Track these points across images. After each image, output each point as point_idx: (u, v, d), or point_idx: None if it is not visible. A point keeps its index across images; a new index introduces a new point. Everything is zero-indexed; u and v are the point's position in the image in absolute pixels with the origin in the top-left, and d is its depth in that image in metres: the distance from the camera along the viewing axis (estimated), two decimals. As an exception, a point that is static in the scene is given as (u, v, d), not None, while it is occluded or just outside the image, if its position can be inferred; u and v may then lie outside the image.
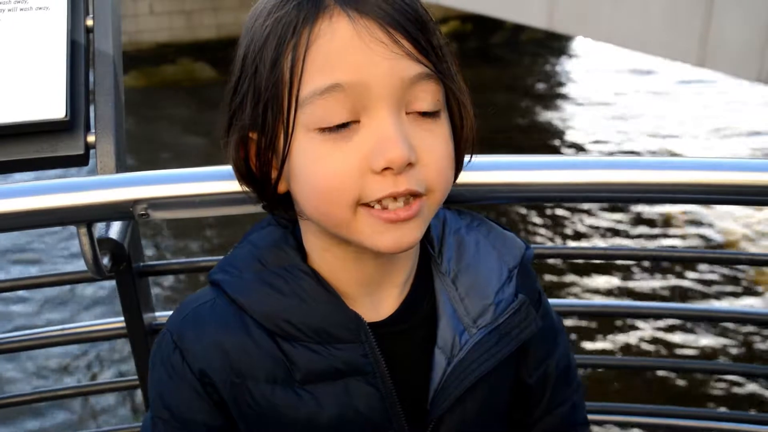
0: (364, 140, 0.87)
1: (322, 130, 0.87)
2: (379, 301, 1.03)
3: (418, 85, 0.88)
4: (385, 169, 0.86)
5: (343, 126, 0.87)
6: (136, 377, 1.65)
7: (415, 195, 0.89)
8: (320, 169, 0.88)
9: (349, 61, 0.85)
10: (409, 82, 0.87)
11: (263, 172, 0.95)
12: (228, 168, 1.20)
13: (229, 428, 1.02)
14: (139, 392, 1.69)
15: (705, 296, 7.01)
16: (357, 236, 0.91)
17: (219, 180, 1.18)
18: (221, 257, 1.69)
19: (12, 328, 6.26)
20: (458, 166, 0.99)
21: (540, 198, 1.27)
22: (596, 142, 10.92)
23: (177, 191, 1.17)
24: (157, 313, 1.66)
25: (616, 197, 1.28)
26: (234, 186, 1.18)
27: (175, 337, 1.00)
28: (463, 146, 0.98)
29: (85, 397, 5.24)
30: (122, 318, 1.57)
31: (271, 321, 0.97)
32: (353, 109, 0.87)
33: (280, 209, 1.01)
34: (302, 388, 0.98)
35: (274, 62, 0.87)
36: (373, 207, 0.89)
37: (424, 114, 0.90)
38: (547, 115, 12.21)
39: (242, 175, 0.98)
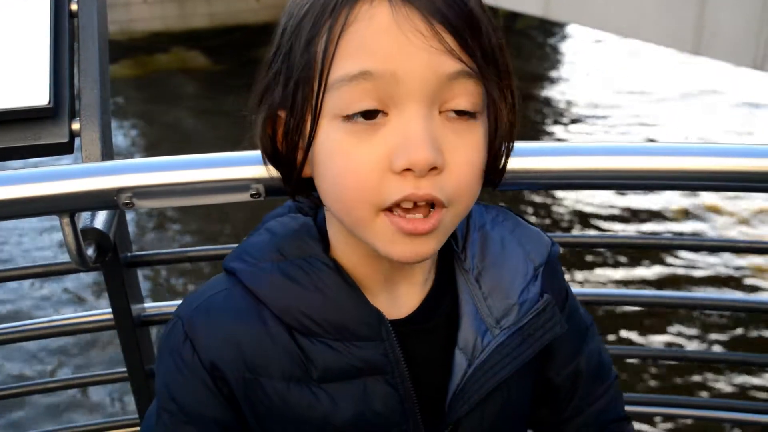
0: (390, 136, 0.82)
1: (348, 118, 0.82)
2: (399, 298, 0.99)
3: (456, 84, 0.83)
4: (407, 170, 0.81)
5: (369, 116, 0.82)
6: (125, 369, 1.63)
7: (435, 204, 0.84)
8: (342, 162, 0.84)
9: (383, 48, 0.80)
10: (446, 78, 0.82)
11: (289, 153, 0.90)
12: (217, 155, 1.18)
13: (238, 424, 0.98)
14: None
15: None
16: (372, 240, 0.87)
17: (205, 168, 1.15)
18: (211, 246, 1.67)
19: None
20: (490, 175, 0.93)
21: (553, 185, 1.23)
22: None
23: (163, 179, 1.13)
24: (146, 305, 1.63)
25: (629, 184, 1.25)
26: (221, 174, 1.15)
27: (187, 327, 0.96)
28: (493, 155, 0.91)
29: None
30: (110, 309, 1.54)
31: (289, 314, 0.93)
32: (382, 100, 0.82)
33: (303, 195, 0.97)
34: (319, 387, 0.94)
35: (308, 41, 0.83)
36: (393, 213, 0.84)
37: (460, 115, 0.85)
38: (546, 97, 12.19)
39: (268, 155, 0.93)
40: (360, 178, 0.83)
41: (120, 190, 1.12)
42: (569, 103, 12.05)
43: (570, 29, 14.96)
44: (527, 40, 14.87)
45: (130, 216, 8.01)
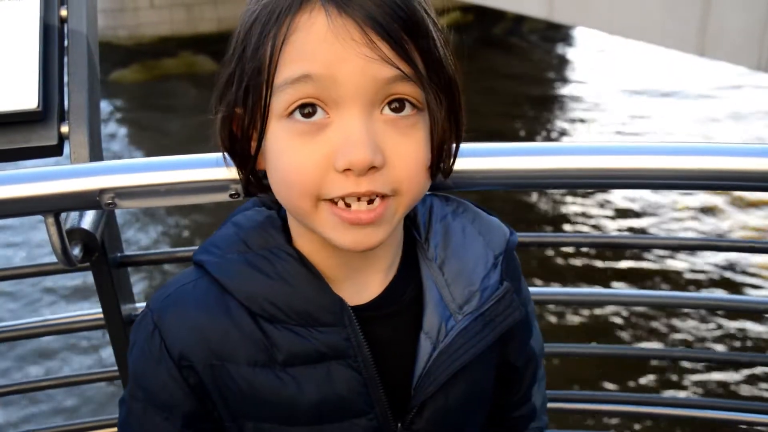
0: (331, 137, 0.87)
1: (290, 115, 0.87)
2: (363, 285, 1.03)
3: (394, 86, 0.87)
4: (347, 169, 0.86)
5: (308, 115, 0.87)
6: (116, 368, 1.65)
7: (379, 196, 0.89)
8: (286, 159, 0.89)
9: (322, 56, 0.84)
10: (383, 82, 0.86)
11: (245, 149, 0.95)
12: (196, 157, 1.21)
13: (204, 413, 1.02)
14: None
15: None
16: (320, 229, 0.92)
17: (186, 169, 1.18)
18: (198, 247, 1.70)
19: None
20: (435, 170, 0.97)
21: (522, 185, 1.26)
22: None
23: (144, 180, 1.16)
24: (138, 304, 1.65)
25: (602, 183, 1.28)
26: (202, 175, 1.18)
27: (156, 318, 1.00)
28: (436, 152, 0.94)
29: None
30: (100, 309, 1.56)
31: (254, 302, 0.97)
32: (323, 101, 0.87)
33: (259, 190, 1.01)
34: (284, 371, 0.98)
35: (256, 47, 0.88)
36: (336, 203, 0.89)
37: (398, 113, 0.89)
38: (553, 100, 12.19)
39: (226, 148, 0.98)
40: (303, 175, 0.88)
41: (102, 191, 1.16)
42: (573, 102, 12.05)
43: (576, 32, 14.95)
44: (532, 42, 14.87)
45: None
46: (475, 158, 1.22)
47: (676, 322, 6.43)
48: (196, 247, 1.67)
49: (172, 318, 0.99)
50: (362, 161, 0.85)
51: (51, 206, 1.18)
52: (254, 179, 0.99)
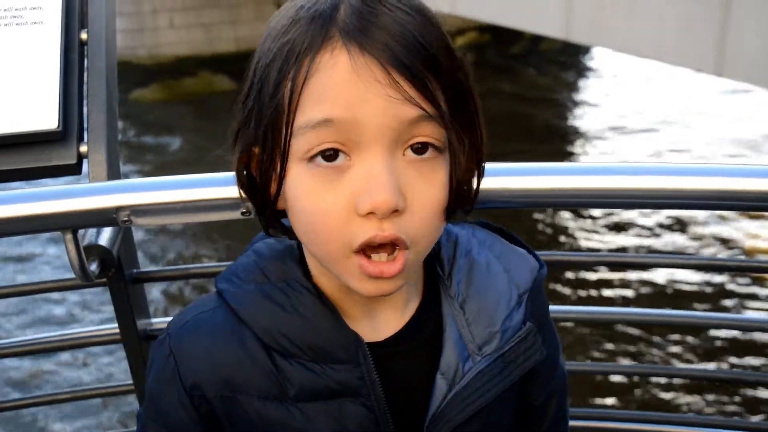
0: (354, 179, 0.85)
1: (311, 159, 0.86)
2: (380, 322, 1.01)
3: (417, 127, 0.85)
4: (371, 212, 0.84)
5: (330, 158, 0.85)
6: (131, 382, 1.69)
7: (398, 244, 0.87)
8: (310, 205, 0.87)
9: (343, 97, 0.83)
10: (406, 123, 0.84)
11: (264, 188, 0.93)
12: (209, 176, 1.25)
13: None
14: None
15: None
16: (341, 275, 0.91)
17: (200, 187, 1.21)
18: (215, 263, 1.74)
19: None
20: (452, 210, 0.94)
21: (541, 204, 1.29)
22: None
23: (159, 198, 1.20)
24: (153, 320, 1.69)
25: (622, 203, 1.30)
26: (215, 193, 1.22)
27: (173, 344, 1.00)
28: (454, 194, 0.92)
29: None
30: (116, 325, 1.60)
31: (269, 335, 0.96)
32: (344, 144, 0.85)
33: (278, 228, 0.98)
34: (295, 405, 0.97)
35: (275, 87, 0.87)
36: (362, 255, 0.87)
37: (421, 154, 0.87)
38: (565, 121, 12.19)
39: (245, 189, 0.96)
40: (328, 221, 0.86)
41: (119, 209, 1.20)
42: (587, 123, 12.05)
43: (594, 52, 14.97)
44: (550, 62, 14.90)
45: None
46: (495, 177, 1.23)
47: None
48: (211, 264, 1.72)
49: (188, 346, 0.99)
50: (385, 204, 0.83)
51: (69, 223, 1.22)
52: (275, 221, 0.97)
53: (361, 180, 0.85)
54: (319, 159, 0.85)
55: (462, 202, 0.94)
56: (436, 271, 1.04)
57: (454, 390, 0.98)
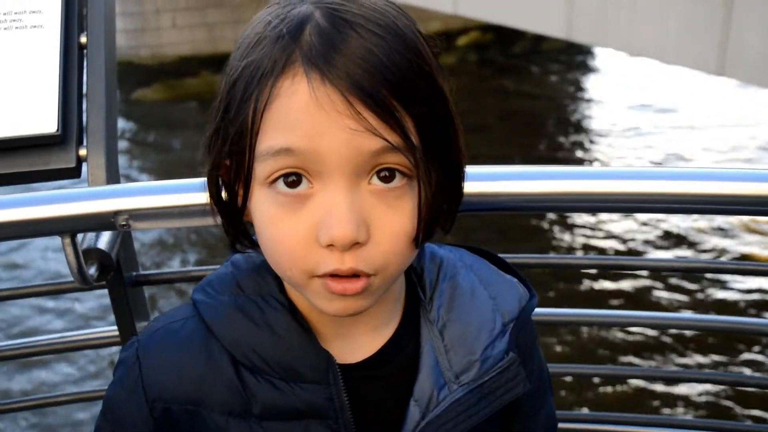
0: (315, 209, 0.82)
1: (272, 184, 0.83)
2: (356, 343, 0.97)
3: (382, 156, 0.81)
4: (331, 245, 0.82)
5: (295, 184, 0.83)
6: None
7: (360, 274, 0.84)
8: (272, 231, 0.85)
9: (303, 127, 0.79)
10: (370, 154, 0.80)
11: (232, 203, 0.91)
12: (205, 180, 1.25)
13: None
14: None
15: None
16: (307, 296, 0.89)
17: (198, 192, 1.21)
18: (214, 267, 1.73)
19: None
20: (424, 238, 0.89)
21: (531, 208, 1.30)
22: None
23: (157, 203, 1.21)
24: (152, 322, 1.69)
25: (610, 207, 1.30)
26: (212, 197, 1.22)
27: (140, 351, 0.98)
28: (423, 222, 0.86)
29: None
30: (115, 327, 1.60)
31: (239, 349, 0.94)
32: (307, 171, 0.82)
33: (246, 244, 0.96)
34: (258, 424, 0.94)
35: (238, 109, 0.84)
36: (324, 277, 0.84)
37: (387, 183, 0.83)
38: (572, 125, 12.19)
39: (213, 199, 0.94)
40: (290, 249, 0.84)
41: (117, 213, 1.20)
42: (589, 124, 12.04)
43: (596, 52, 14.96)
44: (553, 62, 14.90)
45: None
46: (482, 182, 1.23)
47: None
48: (212, 267, 1.72)
49: (154, 355, 0.97)
50: (344, 237, 0.80)
51: (67, 227, 1.23)
52: (243, 236, 0.95)
53: (322, 211, 0.82)
54: (280, 184, 0.83)
55: (432, 229, 0.90)
56: (418, 294, 1.01)
57: (427, 418, 0.95)
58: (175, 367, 0.96)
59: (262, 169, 0.84)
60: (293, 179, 0.83)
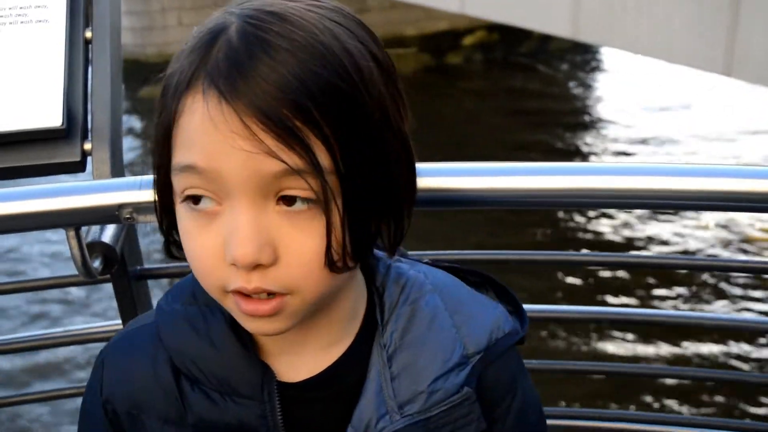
0: (222, 227, 0.80)
1: (185, 200, 0.81)
2: (300, 361, 0.94)
3: (285, 179, 0.77)
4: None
5: (197, 201, 0.80)
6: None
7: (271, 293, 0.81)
8: (188, 246, 0.84)
9: (203, 146, 0.77)
10: (269, 177, 0.76)
11: (165, 210, 0.89)
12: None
13: None
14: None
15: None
16: (229, 311, 0.87)
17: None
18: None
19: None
20: (353, 259, 0.84)
21: (512, 203, 1.26)
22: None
23: (161, 196, 1.20)
24: (156, 317, 1.70)
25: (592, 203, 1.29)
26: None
27: (105, 354, 1.00)
28: (336, 246, 0.80)
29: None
30: (119, 321, 1.61)
31: (179, 358, 0.93)
32: (213, 192, 0.79)
33: (177, 253, 0.92)
34: None
35: (158, 118, 0.83)
36: (237, 294, 0.82)
37: (291, 208, 0.79)
38: (579, 121, 12.18)
39: (157, 203, 0.91)
40: (203, 263, 0.82)
41: (121, 206, 1.21)
42: (597, 123, 12.03)
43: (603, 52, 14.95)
44: (561, 61, 14.89)
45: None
46: (463, 177, 1.21)
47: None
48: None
49: (113, 358, 0.99)
50: (244, 258, 0.77)
51: (72, 220, 1.23)
52: (175, 246, 0.92)
53: (227, 229, 0.79)
54: (189, 203, 0.81)
55: (360, 252, 0.84)
56: (374, 315, 0.96)
57: None
58: (125, 372, 0.97)
59: (175, 183, 0.82)
60: (195, 197, 0.80)
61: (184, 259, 0.88)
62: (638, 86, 13.40)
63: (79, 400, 1.08)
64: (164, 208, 0.89)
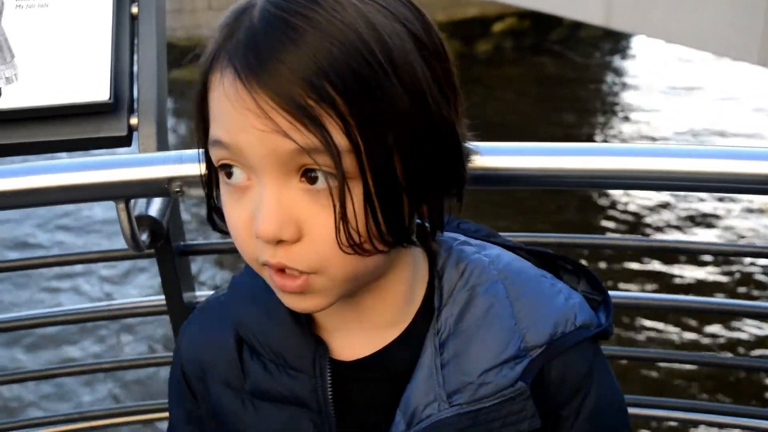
0: (251, 201, 0.80)
1: (221, 172, 0.83)
2: (355, 340, 0.94)
3: (304, 157, 0.76)
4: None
5: (230, 177, 0.81)
6: (171, 354, 1.71)
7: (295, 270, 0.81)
8: (227, 217, 0.85)
9: (225, 123, 0.78)
10: (287, 154, 0.76)
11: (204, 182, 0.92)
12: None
13: (198, 416, 1.04)
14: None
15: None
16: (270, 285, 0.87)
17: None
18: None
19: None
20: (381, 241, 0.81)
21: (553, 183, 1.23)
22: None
23: (211, 170, 1.21)
24: (197, 293, 1.71)
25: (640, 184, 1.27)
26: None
27: (190, 319, 1.07)
28: (356, 228, 0.78)
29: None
30: (163, 296, 1.62)
31: (242, 328, 0.97)
32: (240, 164, 0.80)
33: (218, 224, 0.93)
34: (250, 400, 0.96)
35: (197, 92, 0.84)
36: (270, 267, 0.83)
37: (315, 186, 0.78)
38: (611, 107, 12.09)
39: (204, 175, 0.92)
40: (238, 237, 0.84)
41: (171, 179, 1.21)
42: (626, 110, 11.93)
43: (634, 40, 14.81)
44: (593, 48, 14.77)
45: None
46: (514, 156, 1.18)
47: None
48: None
49: (190, 326, 1.06)
50: (266, 234, 0.78)
51: (123, 192, 1.24)
52: (217, 215, 0.92)
53: (254, 204, 0.80)
54: (224, 175, 0.82)
55: (390, 235, 0.81)
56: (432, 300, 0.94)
57: (411, 431, 0.90)
58: (198, 336, 1.03)
59: (212, 155, 0.83)
60: (229, 171, 0.81)
61: (226, 231, 0.89)
62: (669, 71, 13.27)
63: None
64: (209, 180, 0.91)
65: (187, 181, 1.22)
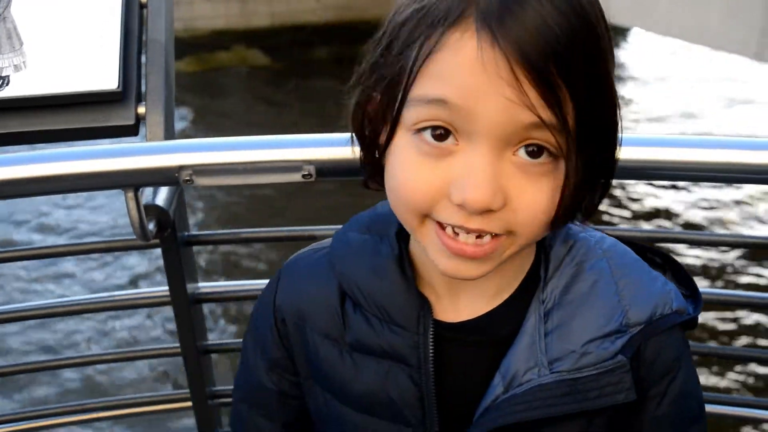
0: (455, 166, 0.80)
1: (418, 132, 0.82)
2: (462, 302, 0.98)
3: (534, 130, 0.78)
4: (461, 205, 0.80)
5: (443, 138, 0.81)
6: (178, 345, 1.70)
7: (491, 234, 0.83)
8: (404, 174, 0.84)
9: (463, 84, 0.77)
10: (522, 127, 0.78)
11: (372, 139, 0.91)
12: (272, 137, 1.25)
13: (286, 364, 1.09)
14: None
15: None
16: (424, 245, 0.88)
17: (262, 149, 1.22)
18: (266, 228, 1.74)
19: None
20: (562, 219, 0.86)
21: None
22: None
23: (221, 159, 1.21)
24: (200, 284, 1.70)
25: None
26: (276, 155, 1.23)
27: (283, 270, 1.09)
28: (561, 208, 0.83)
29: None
30: (167, 287, 1.61)
31: (345, 281, 1.00)
32: (454, 127, 0.80)
33: (378, 182, 0.94)
34: (348, 352, 1.00)
35: (401, 48, 0.82)
36: (444, 228, 0.84)
37: (533, 158, 0.81)
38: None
39: (357, 132, 0.93)
40: (416, 195, 0.83)
41: (181, 168, 1.21)
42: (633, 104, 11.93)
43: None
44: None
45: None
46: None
47: None
48: (263, 229, 1.72)
49: (290, 274, 1.08)
50: (476, 203, 0.79)
51: (132, 181, 1.24)
52: (378, 174, 0.93)
53: (461, 169, 0.80)
54: (427, 135, 0.81)
55: (573, 213, 0.88)
56: (539, 271, 0.98)
57: (509, 393, 0.93)
58: (297, 287, 1.06)
59: (411, 114, 0.82)
60: (441, 133, 0.81)
61: (376, 190, 0.94)
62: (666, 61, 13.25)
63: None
64: (371, 140, 0.91)
65: (198, 169, 1.21)
